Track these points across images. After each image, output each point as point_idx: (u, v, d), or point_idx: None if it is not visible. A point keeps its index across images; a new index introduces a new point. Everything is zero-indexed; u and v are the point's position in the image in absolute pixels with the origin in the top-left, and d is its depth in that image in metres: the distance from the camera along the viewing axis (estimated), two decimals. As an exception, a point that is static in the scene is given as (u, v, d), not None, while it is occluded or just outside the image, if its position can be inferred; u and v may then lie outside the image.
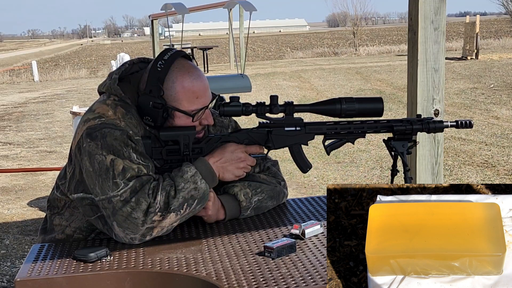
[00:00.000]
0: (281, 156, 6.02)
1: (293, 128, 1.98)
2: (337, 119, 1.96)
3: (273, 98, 1.92)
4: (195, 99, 1.96)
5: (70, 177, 1.96)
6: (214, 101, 2.07)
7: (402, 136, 1.96)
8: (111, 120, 1.89)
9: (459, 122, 1.97)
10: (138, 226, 1.80)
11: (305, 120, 2.00)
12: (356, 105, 1.93)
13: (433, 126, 1.97)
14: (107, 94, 1.98)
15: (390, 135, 1.99)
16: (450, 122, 1.98)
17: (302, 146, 2.01)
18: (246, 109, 1.91)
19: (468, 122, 1.97)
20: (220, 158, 1.95)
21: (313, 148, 7.16)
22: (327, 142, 1.99)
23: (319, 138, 2.01)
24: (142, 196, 1.80)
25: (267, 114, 1.94)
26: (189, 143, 1.95)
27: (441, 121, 2.00)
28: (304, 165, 2.02)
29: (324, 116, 1.97)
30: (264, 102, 1.94)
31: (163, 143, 1.97)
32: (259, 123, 2.00)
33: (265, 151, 2.03)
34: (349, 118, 1.95)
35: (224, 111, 1.91)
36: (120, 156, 1.84)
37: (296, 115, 1.97)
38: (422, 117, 2.02)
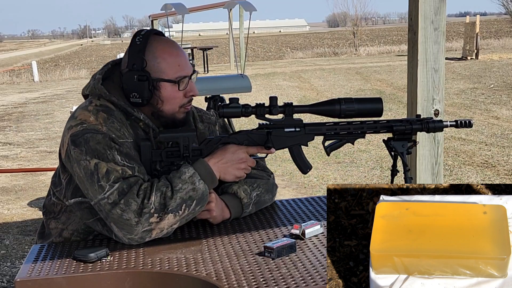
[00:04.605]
0: (281, 156, 6.02)
1: (293, 129, 1.98)
2: (336, 120, 1.96)
3: (273, 99, 1.92)
4: (177, 66, 1.98)
5: (67, 184, 1.95)
6: (195, 76, 2.07)
7: (402, 136, 1.96)
8: (93, 125, 1.89)
9: (459, 122, 1.98)
10: (133, 227, 1.79)
11: (305, 121, 2.00)
12: (355, 106, 1.93)
13: (433, 125, 1.97)
14: (89, 100, 1.99)
15: (390, 135, 1.99)
16: (450, 121, 1.98)
17: (302, 147, 2.01)
18: (246, 110, 1.91)
19: (467, 121, 1.97)
20: (221, 158, 1.95)
21: (313, 148, 7.16)
22: (327, 143, 1.99)
23: (319, 139, 2.01)
24: (131, 197, 1.80)
25: (267, 115, 1.95)
26: (188, 144, 1.95)
27: (441, 121, 2.00)
28: (304, 166, 2.02)
29: (323, 117, 1.97)
30: (264, 103, 1.94)
31: (163, 145, 1.98)
32: (259, 124, 2.00)
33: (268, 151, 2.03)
34: (348, 118, 1.95)
35: (224, 112, 1.91)
36: (104, 160, 1.84)
37: (295, 115, 1.97)
38: (421, 117, 2.02)
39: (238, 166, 1.97)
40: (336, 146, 1.99)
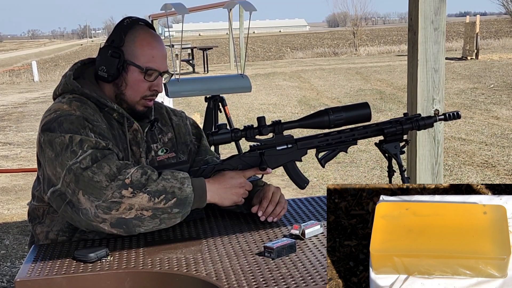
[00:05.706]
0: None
1: (285, 146, 1.98)
2: (326, 131, 1.97)
3: (261, 120, 1.93)
4: (151, 57, 2.01)
5: (43, 180, 1.95)
6: (168, 77, 2.07)
7: (394, 138, 1.97)
8: (66, 111, 1.91)
9: (447, 115, 2.01)
10: (102, 190, 1.76)
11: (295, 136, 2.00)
12: (343, 114, 1.94)
13: (423, 123, 1.99)
14: (62, 96, 2.01)
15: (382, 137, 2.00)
16: (438, 116, 2.01)
17: (296, 162, 2.01)
18: (236, 135, 1.92)
19: (456, 113, 2.00)
20: (219, 182, 1.93)
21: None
22: (320, 155, 1.99)
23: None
24: (104, 162, 1.80)
25: (257, 137, 1.95)
26: None
27: (430, 117, 2.01)
28: (301, 181, 2.02)
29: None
30: (252, 125, 1.94)
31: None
32: (250, 146, 2.00)
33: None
34: (338, 128, 1.96)
35: (214, 140, 1.92)
36: (78, 134, 1.86)
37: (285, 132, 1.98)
38: (409, 115, 2.03)
39: (236, 191, 1.95)
40: (330, 157, 2.00)
